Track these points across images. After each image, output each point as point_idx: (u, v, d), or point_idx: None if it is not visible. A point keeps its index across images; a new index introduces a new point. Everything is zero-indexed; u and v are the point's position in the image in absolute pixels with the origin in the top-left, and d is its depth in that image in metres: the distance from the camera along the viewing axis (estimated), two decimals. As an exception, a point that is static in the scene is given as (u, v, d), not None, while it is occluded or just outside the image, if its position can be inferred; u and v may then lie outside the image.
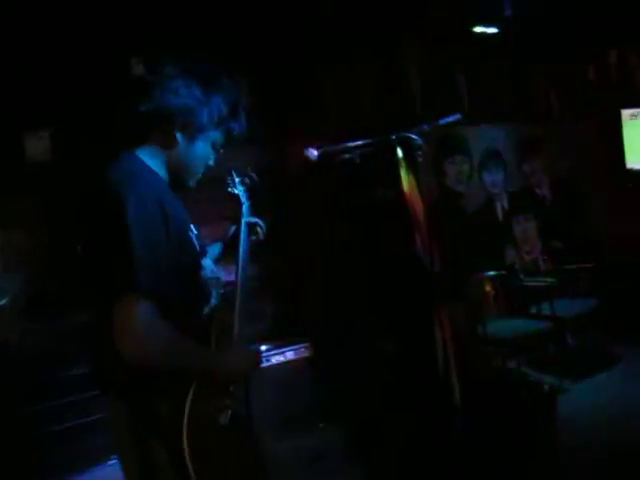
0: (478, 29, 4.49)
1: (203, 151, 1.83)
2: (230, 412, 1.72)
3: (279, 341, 3.63)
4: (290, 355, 3.53)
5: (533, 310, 3.89)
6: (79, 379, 2.97)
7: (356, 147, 2.31)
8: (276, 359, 3.51)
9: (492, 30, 4.64)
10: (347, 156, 2.32)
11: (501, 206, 4.58)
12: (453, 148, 4.36)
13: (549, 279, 3.96)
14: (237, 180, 2.26)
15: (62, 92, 3.64)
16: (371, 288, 3.44)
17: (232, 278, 2.00)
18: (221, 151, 1.90)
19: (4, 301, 3.29)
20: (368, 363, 3.29)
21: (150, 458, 1.62)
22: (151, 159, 1.78)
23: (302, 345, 3.56)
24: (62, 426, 1.87)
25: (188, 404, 1.60)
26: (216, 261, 2.13)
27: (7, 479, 2.48)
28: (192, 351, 1.68)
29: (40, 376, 3.08)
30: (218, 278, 1.95)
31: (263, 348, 3.69)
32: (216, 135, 1.84)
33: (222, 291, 1.94)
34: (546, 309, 3.74)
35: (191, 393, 1.62)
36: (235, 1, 3.84)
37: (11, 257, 3.53)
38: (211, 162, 1.90)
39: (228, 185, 2.25)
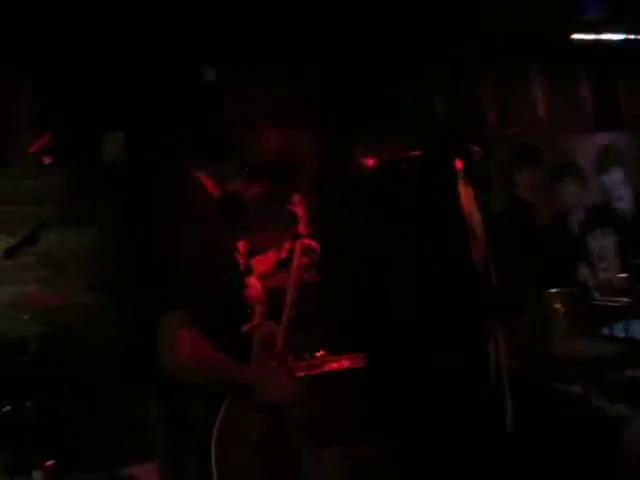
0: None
1: (258, 186, 1.89)
2: (264, 428, 1.72)
3: (336, 348, 3.61)
4: (346, 363, 3.51)
5: (605, 331, 3.67)
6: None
7: (413, 157, 2.27)
8: (331, 366, 3.50)
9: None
10: (404, 166, 2.29)
11: (576, 220, 4.36)
12: (526, 157, 4.20)
13: (625, 299, 3.73)
14: (298, 198, 2.27)
15: (137, 95, 3.79)
16: (427, 299, 3.37)
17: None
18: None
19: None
20: (423, 376, 3.22)
21: (183, 461, 1.65)
22: (205, 177, 1.82)
23: (358, 354, 3.53)
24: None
25: (222, 412, 1.62)
26: (268, 277, 2.15)
27: (95, 459, 2.58)
28: (228, 369, 1.69)
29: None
30: (262, 296, 1.96)
31: (319, 354, 3.70)
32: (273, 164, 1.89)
33: (266, 310, 1.94)
34: (620, 331, 3.52)
35: (226, 402, 1.64)
36: (308, 3, 3.86)
37: (75, 254, 3.70)
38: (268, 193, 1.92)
39: (288, 202, 2.26)
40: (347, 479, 3.07)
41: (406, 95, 3.97)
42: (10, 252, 3.46)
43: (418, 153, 2.30)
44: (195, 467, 1.61)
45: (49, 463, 2.26)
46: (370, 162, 2.27)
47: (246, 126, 1.89)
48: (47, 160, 3.15)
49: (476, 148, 2.16)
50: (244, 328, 1.82)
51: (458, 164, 2.22)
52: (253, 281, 1.93)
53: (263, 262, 2.15)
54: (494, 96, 4.41)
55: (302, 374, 3.47)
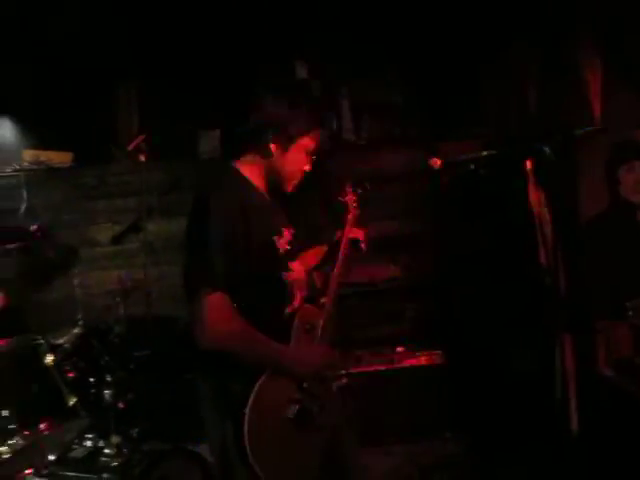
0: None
1: (296, 159, 1.94)
2: (298, 407, 1.79)
3: (415, 345, 3.62)
4: (423, 360, 3.51)
5: None
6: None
7: (482, 158, 2.23)
8: (409, 362, 3.51)
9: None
10: (472, 167, 2.25)
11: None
12: (631, 154, 3.92)
13: None
14: (350, 189, 2.32)
15: (232, 94, 3.98)
16: (500, 300, 3.28)
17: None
18: (314, 157, 1.99)
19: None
20: (501, 378, 3.15)
21: (224, 436, 1.75)
22: (249, 168, 1.94)
23: (437, 351, 3.51)
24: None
25: (256, 388, 1.72)
26: (318, 265, 2.23)
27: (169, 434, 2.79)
28: (262, 344, 1.78)
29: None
30: (304, 281, 2.03)
31: (398, 350, 3.72)
32: (308, 142, 1.94)
33: (307, 294, 2.02)
34: None
35: (262, 379, 1.74)
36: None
37: (172, 242, 3.98)
38: (307, 167, 1.99)
39: (340, 192, 2.31)
40: (417, 476, 3.08)
41: (485, 92, 3.85)
42: (116, 240, 3.79)
43: (489, 154, 2.25)
44: (232, 442, 1.71)
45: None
46: (439, 162, 2.26)
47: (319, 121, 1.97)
48: (144, 157, 3.42)
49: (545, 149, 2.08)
50: (286, 310, 1.91)
51: (528, 165, 2.16)
52: (296, 266, 2.01)
53: (313, 255, 2.23)
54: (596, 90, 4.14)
55: (381, 368, 3.54)
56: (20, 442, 2.04)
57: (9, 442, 2.03)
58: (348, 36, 3.85)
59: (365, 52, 3.93)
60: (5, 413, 2.04)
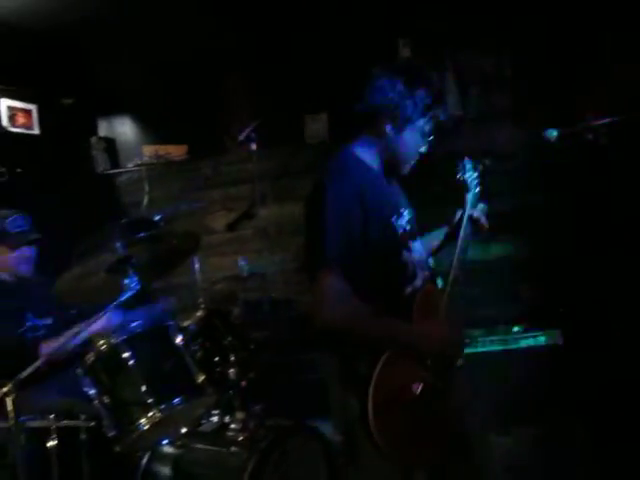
0: None
1: (412, 140, 1.94)
2: (422, 385, 1.79)
3: (533, 324, 3.49)
4: (541, 340, 3.38)
5: None
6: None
7: (601, 127, 2.11)
8: (526, 343, 3.40)
9: None
10: (590, 137, 2.13)
11: None
12: None
13: None
14: (468, 166, 2.26)
15: (338, 76, 4.00)
16: (621, 280, 3.07)
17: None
18: (430, 138, 1.97)
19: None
20: (623, 362, 2.96)
21: (348, 410, 1.80)
22: (365, 150, 1.96)
23: (556, 331, 3.36)
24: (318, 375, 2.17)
25: (380, 366, 1.75)
26: (439, 245, 2.21)
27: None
28: (381, 323, 1.80)
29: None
30: (425, 261, 2.03)
31: (515, 329, 3.61)
32: (423, 124, 1.93)
33: (429, 273, 2.02)
34: None
35: (385, 357, 1.76)
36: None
37: (285, 227, 4.09)
38: (422, 149, 1.98)
39: (458, 170, 2.25)
40: (535, 459, 2.99)
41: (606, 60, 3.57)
42: (231, 226, 3.97)
43: (610, 121, 2.12)
44: (357, 420, 1.75)
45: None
46: (555, 134, 2.16)
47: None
48: (255, 146, 3.54)
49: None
50: (407, 289, 1.92)
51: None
52: (417, 246, 2.01)
53: (434, 238, 2.22)
54: None
55: (496, 349, 3.45)
56: (157, 415, 2.17)
57: (148, 415, 2.17)
58: (452, 6, 3.74)
59: (471, 22, 3.80)
60: (143, 388, 2.19)
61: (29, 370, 2.02)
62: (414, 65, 2.00)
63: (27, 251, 2.86)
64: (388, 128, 1.89)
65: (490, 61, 3.89)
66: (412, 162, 2.01)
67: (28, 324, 2.77)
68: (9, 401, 1.92)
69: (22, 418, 2.05)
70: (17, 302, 2.80)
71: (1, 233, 2.82)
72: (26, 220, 2.89)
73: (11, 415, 1.93)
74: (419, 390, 1.79)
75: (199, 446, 2.55)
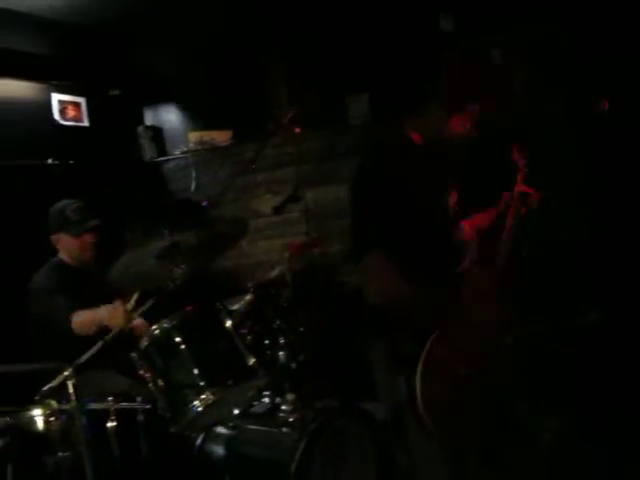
0: None
1: (459, 123, 1.93)
2: (469, 367, 1.79)
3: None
4: (592, 318, 3.28)
5: None
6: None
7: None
8: (576, 322, 3.32)
9: None
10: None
11: None
12: None
13: None
14: (517, 147, 2.21)
15: (380, 56, 3.95)
16: None
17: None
18: (479, 121, 1.93)
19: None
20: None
21: (396, 391, 1.83)
22: (412, 132, 1.96)
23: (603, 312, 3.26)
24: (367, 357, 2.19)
25: (427, 347, 1.77)
26: (488, 226, 2.18)
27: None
28: (427, 298, 1.80)
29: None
30: (473, 242, 2.01)
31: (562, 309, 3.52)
32: (472, 108, 1.92)
33: (478, 255, 1.99)
34: None
35: (432, 337, 1.78)
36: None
37: (330, 209, 4.09)
38: (470, 132, 1.95)
39: (509, 152, 2.22)
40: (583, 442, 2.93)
41: None
42: (277, 209, 3.99)
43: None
44: (405, 401, 1.78)
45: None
46: (607, 103, 2.09)
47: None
48: (298, 129, 3.54)
49: None
50: (455, 270, 1.94)
51: None
52: (465, 225, 2.01)
53: (482, 218, 2.18)
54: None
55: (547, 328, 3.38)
56: (210, 397, 2.24)
57: (201, 397, 2.24)
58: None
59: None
60: (196, 371, 2.25)
61: (88, 354, 2.10)
62: (462, 50, 1.99)
63: (89, 238, 2.97)
64: (435, 109, 1.90)
65: (542, 33, 3.75)
66: (457, 144, 1.98)
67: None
68: (70, 384, 2.01)
69: (83, 400, 2.13)
70: (82, 286, 2.92)
71: (64, 222, 2.95)
72: (86, 208, 3.01)
73: (72, 397, 2.02)
74: (465, 369, 1.80)
75: (251, 427, 2.61)
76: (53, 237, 2.99)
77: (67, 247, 2.98)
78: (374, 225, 1.80)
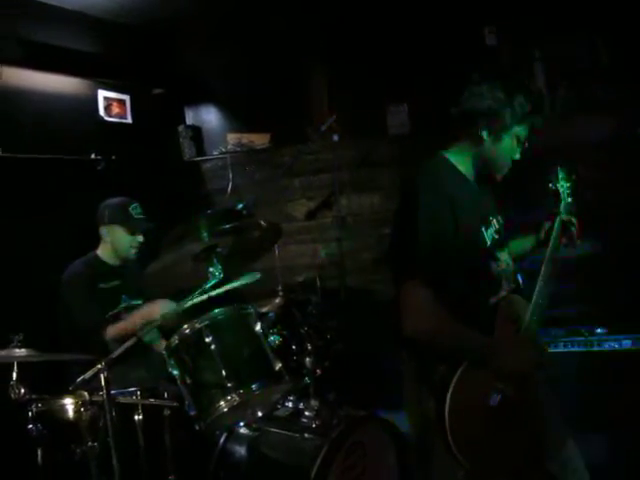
0: None
1: (507, 147, 1.92)
2: (500, 397, 1.78)
3: (618, 328, 3.34)
4: (627, 344, 3.23)
5: None
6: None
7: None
8: (609, 345, 3.27)
9: None
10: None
11: None
12: None
13: None
14: (561, 175, 2.21)
15: (420, 66, 3.95)
16: None
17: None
18: (525, 145, 1.94)
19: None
20: None
21: (424, 411, 1.83)
22: (459, 157, 1.97)
23: (644, 335, 3.21)
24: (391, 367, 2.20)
25: (458, 374, 1.76)
26: (525, 253, 2.18)
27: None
28: (464, 335, 1.80)
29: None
30: (511, 271, 2.00)
31: (598, 331, 3.47)
32: (520, 130, 1.90)
33: (514, 285, 1.99)
34: None
35: (464, 364, 1.77)
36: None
37: (363, 217, 4.11)
38: (517, 156, 1.96)
39: (551, 179, 2.22)
40: (612, 466, 2.87)
41: None
42: (311, 215, 4.03)
43: None
44: (433, 421, 1.77)
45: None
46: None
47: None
48: (335, 136, 3.57)
49: None
50: (492, 300, 1.91)
51: None
52: (504, 256, 1.99)
53: (522, 244, 2.19)
54: None
55: (577, 350, 3.34)
56: (236, 399, 2.27)
57: (227, 398, 2.27)
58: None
59: (561, 8, 3.64)
60: (224, 372, 2.28)
61: (121, 349, 2.15)
62: (513, 72, 1.97)
63: (140, 238, 3.05)
64: (484, 134, 1.89)
65: (583, 51, 3.71)
66: (506, 169, 1.98)
67: (123, 304, 2.97)
68: (102, 377, 2.07)
69: (112, 392, 2.19)
70: (116, 284, 3.02)
71: (125, 216, 3.03)
72: (142, 209, 3.10)
73: (104, 390, 2.08)
74: (497, 400, 1.79)
75: (274, 430, 2.63)
76: (105, 228, 3.04)
77: (117, 240, 3.04)
78: (424, 259, 1.77)
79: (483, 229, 1.93)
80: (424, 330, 1.76)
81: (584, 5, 3.60)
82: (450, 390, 1.73)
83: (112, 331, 2.75)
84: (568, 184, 2.20)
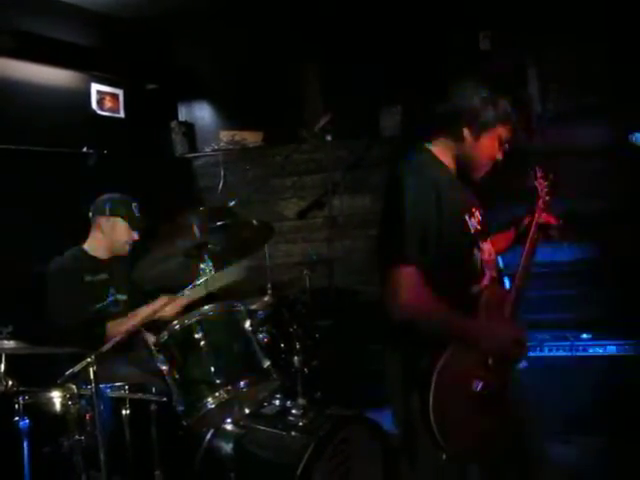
0: None
1: (488, 147, 1.94)
2: (482, 384, 1.83)
3: (604, 333, 3.39)
4: (611, 350, 3.28)
5: None
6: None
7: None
8: (594, 350, 3.31)
9: None
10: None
11: None
12: None
13: None
14: (539, 174, 2.25)
15: (415, 69, 3.98)
16: None
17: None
18: (506, 146, 1.95)
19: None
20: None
21: (409, 403, 1.85)
22: (441, 151, 1.98)
23: (629, 342, 3.25)
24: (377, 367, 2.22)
25: (441, 361, 1.79)
26: (507, 246, 2.21)
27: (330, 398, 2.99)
28: (450, 317, 1.83)
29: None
30: (494, 261, 2.04)
31: (584, 336, 3.52)
32: (502, 132, 1.93)
33: (497, 274, 2.02)
34: None
35: (447, 353, 1.80)
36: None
37: (355, 218, 4.13)
38: (498, 156, 1.98)
39: (530, 177, 2.25)
40: (597, 471, 2.92)
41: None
42: (302, 214, 4.05)
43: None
44: (417, 414, 1.80)
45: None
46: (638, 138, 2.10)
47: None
48: (329, 137, 3.58)
49: None
50: (474, 289, 1.94)
51: None
52: (486, 246, 2.03)
53: (502, 239, 2.22)
54: None
55: (562, 355, 3.38)
56: (224, 395, 2.28)
57: (215, 394, 2.28)
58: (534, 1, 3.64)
59: (555, 13, 3.68)
60: (212, 369, 2.30)
61: (110, 344, 2.15)
62: (501, 73, 2.00)
63: (136, 235, 3.06)
64: (466, 132, 1.91)
65: (575, 56, 3.76)
66: (486, 168, 2.00)
67: (110, 299, 2.97)
68: (91, 371, 2.07)
69: (101, 387, 2.19)
70: (103, 277, 3.00)
71: (128, 211, 3.04)
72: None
73: (92, 384, 2.08)
74: (479, 388, 1.83)
75: (260, 428, 2.64)
76: (104, 219, 3.02)
77: (116, 234, 3.03)
78: (411, 240, 1.80)
79: (466, 218, 1.96)
80: (412, 307, 1.78)
81: (579, 11, 3.64)
82: (433, 380, 1.76)
83: (116, 329, 2.72)
84: (545, 183, 2.23)
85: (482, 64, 3.77)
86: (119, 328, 2.71)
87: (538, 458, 2.03)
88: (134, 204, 3.07)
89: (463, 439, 1.80)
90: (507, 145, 1.96)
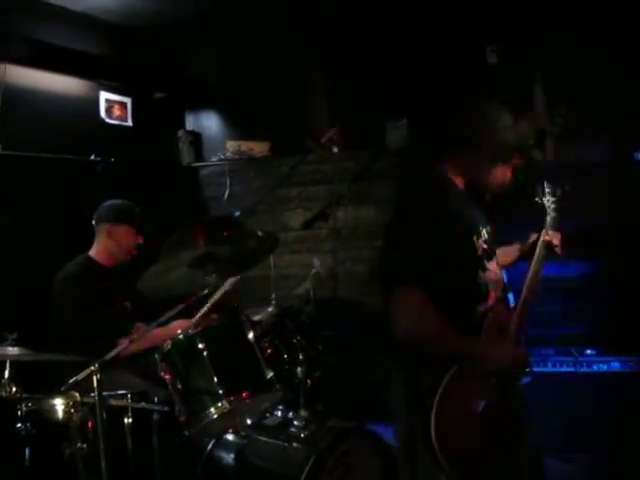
0: None
1: (502, 173, 1.96)
2: (485, 403, 1.81)
3: (608, 349, 3.37)
4: (615, 366, 3.26)
5: None
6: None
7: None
8: (598, 367, 3.29)
9: None
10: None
11: None
12: None
13: None
14: (547, 190, 2.26)
15: (421, 82, 4.00)
16: None
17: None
18: (519, 176, 1.96)
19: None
20: None
21: (411, 426, 1.85)
22: (454, 170, 1.98)
23: (633, 358, 3.24)
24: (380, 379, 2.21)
25: (444, 383, 1.78)
26: (510, 264, 2.20)
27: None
28: (455, 338, 1.81)
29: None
30: (500, 281, 2.02)
31: (588, 352, 3.50)
32: (516, 160, 1.94)
33: (502, 294, 2.01)
34: None
35: (450, 374, 1.79)
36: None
37: (360, 229, 4.13)
38: (509, 181, 1.98)
39: (537, 194, 2.26)
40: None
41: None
42: (307, 225, 4.05)
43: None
44: (419, 433, 1.78)
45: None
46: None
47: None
48: (335, 148, 3.60)
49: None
50: (479, 308, 1.93)
51: None
52: (492, 265, 2.01)
53: (506, 254, 2.22)
54: None
55: (566, 370, 3.36)
56: (226, 406, 2.28)
57: (217, 405, 2.28)
58: (542, 13, 3.65)
59: (561, 31, 3.70)
60: (215, 379, 2.29)
61: (114, 352, 2.16)
62: (517, 98, 2.00)
63: (140, 240, 3.09)
64: (480, 155, 1.91)
65: (581, 71, 3.76)
66: (497, 192, 2.01)
67: (116, 307, 2.98)
68: (95, 379, 2.07)
69: (104, 395, 2.19)
70: (110, 286, 3.00)
71: (132, 217, 3.08)
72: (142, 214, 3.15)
73: (95, 392, 2.08)
74: (481, 407, 1.82)
75: (262, 438, 2.64)
76: (108, 226, 3.05)
77: (122, 240, 3.06)
78: (417, 260, 1.78)
79: (475, 238, 1.95)
80: (417, 330, 1.77)
81: (587, 27, 3.65)
82: (436, 399, 1.75)
83: (131, 347, 2.62)
84: (553, 199, 2.24)
85: (492, 80, 3.80)
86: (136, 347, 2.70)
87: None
88: (136, 209, 3.10)
89: (464, 460, 1.78)
90: (519, 175, 1.97)
